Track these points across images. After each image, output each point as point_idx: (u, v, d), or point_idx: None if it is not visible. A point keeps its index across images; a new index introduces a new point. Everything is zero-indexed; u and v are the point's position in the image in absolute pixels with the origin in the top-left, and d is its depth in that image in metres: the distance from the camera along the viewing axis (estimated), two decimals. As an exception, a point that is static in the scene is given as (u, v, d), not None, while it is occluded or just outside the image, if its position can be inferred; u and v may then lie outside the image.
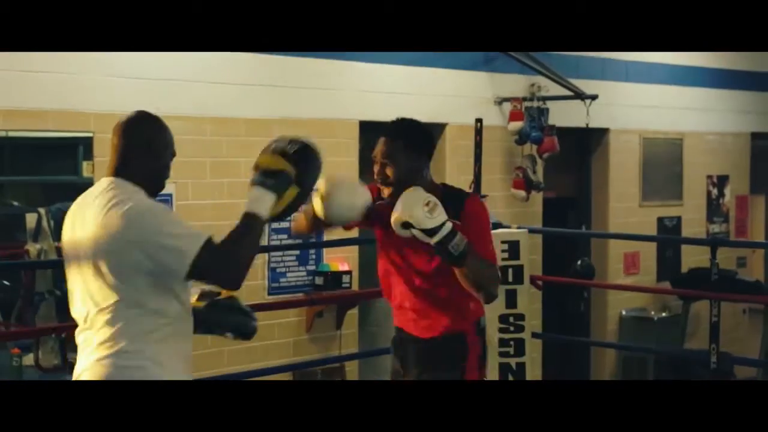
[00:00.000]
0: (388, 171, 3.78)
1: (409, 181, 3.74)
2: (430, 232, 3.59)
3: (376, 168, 3.83)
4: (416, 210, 3.58)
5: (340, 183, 3.78)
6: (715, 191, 10.59)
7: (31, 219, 6.20)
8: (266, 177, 3.15)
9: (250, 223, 3.08)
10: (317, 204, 3.74)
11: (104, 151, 5.92)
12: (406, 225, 3.62)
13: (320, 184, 3.67)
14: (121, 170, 3.16)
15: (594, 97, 8.20)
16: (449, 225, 3.60)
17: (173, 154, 3.33)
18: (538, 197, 8.56)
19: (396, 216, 3.64)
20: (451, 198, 3.77)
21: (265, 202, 3.11)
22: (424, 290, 3.81)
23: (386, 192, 3.79)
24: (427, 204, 3.59)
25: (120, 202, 3.04)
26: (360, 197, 3.78)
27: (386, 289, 3.95)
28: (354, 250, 7.20)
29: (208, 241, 2.98)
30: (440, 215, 3.59)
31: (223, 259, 2.98)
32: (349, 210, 3.77)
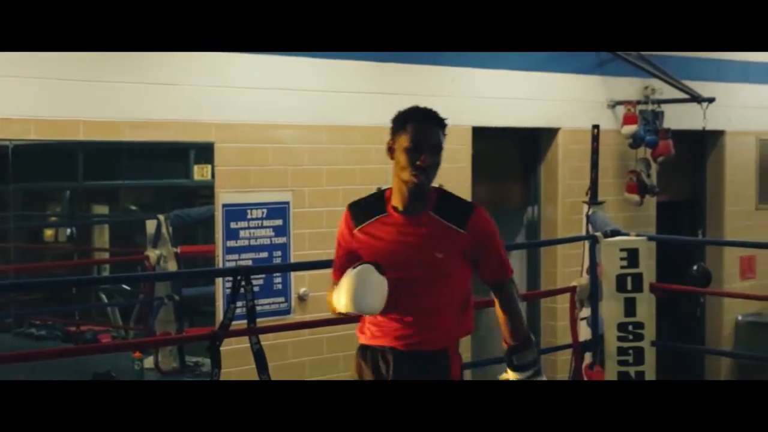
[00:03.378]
0: (431, 162, 3.46)
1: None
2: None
3: (419, 158, 3.43)
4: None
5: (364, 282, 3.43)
6: (833, 193, 10.30)
7: (150, 225, 6.31)
8: None
9: None
10: (339, 302, 3.47)
11: (224, 160, 6.09)
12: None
13: (343, 282, 3.43)
14: None
15: (711, 100, 8.06)
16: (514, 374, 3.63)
17: None
18: (651, 201, 8.44)
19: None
20: (453, 205, 3.58)
21: None
22: None
23: (413, 178, 3.44)
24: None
25: None
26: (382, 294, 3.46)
27: None
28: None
29: None
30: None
31: None
32: (374, 309, 3.49)
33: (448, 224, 3.50)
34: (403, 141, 3.45)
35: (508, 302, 3.63)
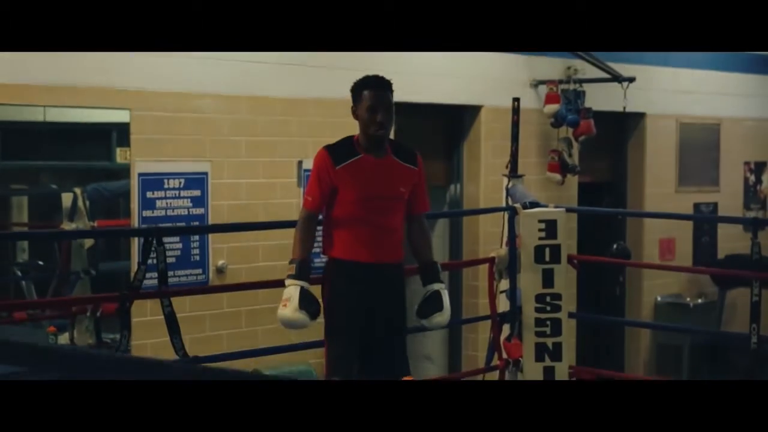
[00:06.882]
0: (387, 118, 4.43)
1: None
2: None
3: (378, 116, 4.38)
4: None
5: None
6: (752, 177, 10.48)
7: (66, 199, 6.21)
8: None
9: None
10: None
11: (141, 129, 5.99)
12: None
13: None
14: None
15: (632, 80, 8.12)
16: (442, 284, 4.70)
17: None
18: (573, 181, 8.49)
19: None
20: (404, 150, 4.60)
21: None
22: None
23: (376, 132, 4.40)
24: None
25: None
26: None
27: None
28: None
29: None
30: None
31: None
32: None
33: (406, 164, 4.54)
34: (365, 103, 4.42)
35: (427, 229, 4.74)
